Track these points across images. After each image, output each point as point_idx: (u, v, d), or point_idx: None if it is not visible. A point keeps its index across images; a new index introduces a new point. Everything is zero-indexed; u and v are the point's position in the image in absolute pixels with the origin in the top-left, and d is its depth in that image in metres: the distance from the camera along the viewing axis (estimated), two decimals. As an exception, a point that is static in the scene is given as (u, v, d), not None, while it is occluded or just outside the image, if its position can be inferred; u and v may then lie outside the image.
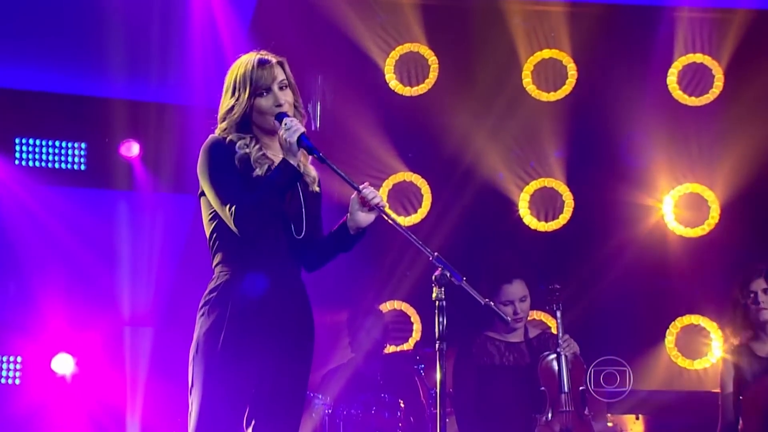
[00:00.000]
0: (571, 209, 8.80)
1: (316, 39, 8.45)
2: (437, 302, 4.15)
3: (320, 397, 7.26)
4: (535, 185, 8.83)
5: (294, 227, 4.34)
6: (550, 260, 8.51)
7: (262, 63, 4.34)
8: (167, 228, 8.62)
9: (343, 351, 7.91)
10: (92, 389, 8.47)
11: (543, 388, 6.55)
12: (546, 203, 8.83)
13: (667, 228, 8.78)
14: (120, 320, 8.67)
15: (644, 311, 8.66)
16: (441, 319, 4.14)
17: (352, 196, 4.33)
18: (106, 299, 8.60)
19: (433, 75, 8.78)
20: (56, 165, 8.61)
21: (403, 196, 8.82)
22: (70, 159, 8.65)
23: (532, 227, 8.81)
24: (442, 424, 4.20)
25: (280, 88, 4.35)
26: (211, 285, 4.29)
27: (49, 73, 8.34)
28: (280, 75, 4.36)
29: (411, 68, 8.80)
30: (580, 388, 6.56)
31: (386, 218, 4.29)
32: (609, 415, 7.58)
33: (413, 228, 8.54)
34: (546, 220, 8.83)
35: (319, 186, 4.49)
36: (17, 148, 8.55)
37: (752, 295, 6.61)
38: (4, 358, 8.55)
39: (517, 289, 6.64)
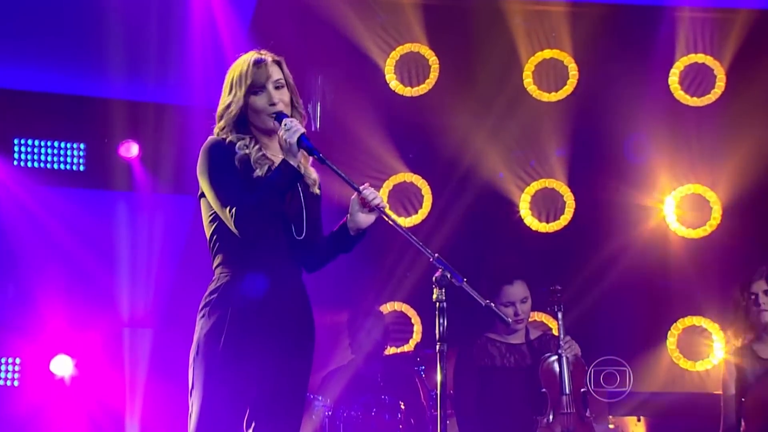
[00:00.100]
0: (572, 210, 8.78)
1: (316, 39, 8.44)
2: (438, 303, 4.13)
3: (320, 398, 7.26)
4: (536, 186, 8.82)
5: (294, 228, 4.34)
6: (551, 261, 8.49)
7: (257, 61, 4.36)
8: (166, 229, 8.62)
9: (343, 352, 7.89)
10: (91, 391, 8.46)
11: (544, 390, 6.54)
12: (547, 204, 8.81)
13: (668, 229, 8.76)
14: (119, 321, 8.66)
15: (646, 312, 8.65)
16: (441, 321, 4.13)
17: (353, 196, 4.33)
18: (105, 300, 8.59)
19: (433, 75, 8.76)
20: (55, 165, 8.60)
21: (404, 197, 8.80)
22: (69, 159, 8.64)
23: (533, 228, 8.80)
24: (443, 426, 4.19)
25: (276, 87, 4.36)
26: (212, 286, 4.29)
27: (48, 73, 8.33)
28: (275, 74, 4.37)
29: (411, 68, 8.78)
30: (582, 389, 6.55)
31: (386, 219, 4.28)
32: (610, 416, 7.58)
33: (414, 229, 8.54)
34: (547, 221, 8.81)
35: (319, 188, 4.50)
36: (16, 148, 8.55)
37: (753, 296, 6.61)
38: (3, 360, 8.53)
39: (518, 290, 6.63)
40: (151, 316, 8.71)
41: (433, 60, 8.76)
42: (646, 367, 8.34)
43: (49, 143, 8.59)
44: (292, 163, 4.20)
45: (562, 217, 8.80)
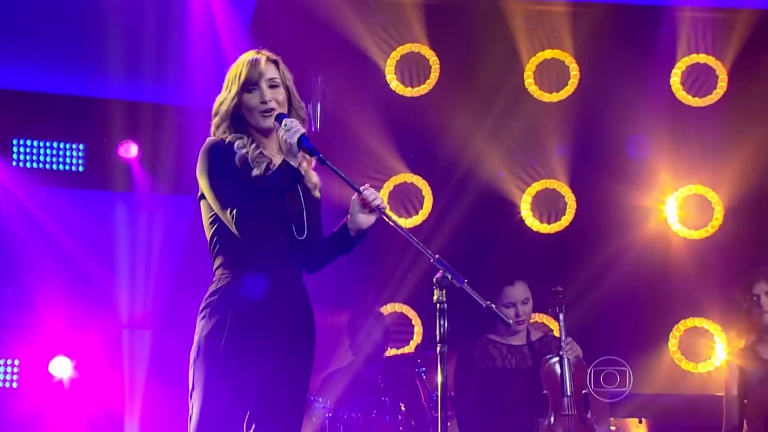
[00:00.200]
0: (573, 211, 8.77)
1: (316, 39, 8.42)
2: (438, 305, 4.13)
3: (320, 400, 7.25)
4: (537, 187, 8.81)
5: (295, 228, 4.33)
6: (553, 262, 8.49)
7: (252, 60, 4.37)
8: (166, 230, 8.60)
9: (343, 354, 7.88)
10: (90, 392, 8.43)
11: (545, 392, 6.53)
12: (548, 205, 8.80)
13: (670, 230, 8.75)
14: (118, 323, 8.64)
15: (647, 314, 8.65)
16: (442, 322, 4.12)
17: (353, 197, 4.33)
18: (105, 301, 8.57)
19: (434, 75, 8.75)
20: (54, 166, 8.57)
21: (404, 198, 8.79)
22: (68, 160, 8.61)
23: (535, 229, 8.79)
24: (444, 428, 4.18)
25: (270, 86, 4.36)
26: (212, 288, 4.28)
27: (47, 73, 8.32)
28: (270, 72, 4.38)
29: (412, 68, 8.76)
30: (583, 391, 6.53)
31: (387, 220, 4.27)
32: (612, 418, 7.58)
33: (414, 230, 8.53)
34: (548, 222, 8.80)
35: (320, 192, 4.51)
36: (14, 149, 8.51)
37: (755, 298, 6.61)
38: (2, 361, 8.49)
39: (519, 291, 6.62)
40: (150, 317, 8.68)
41: (433, 60, 8.74)
42: (647, 368, 8.33)
43: (48, 144, 8.57)
44: (292, 163, 4.20)
45: (563, 218, 8.79)
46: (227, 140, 4.33)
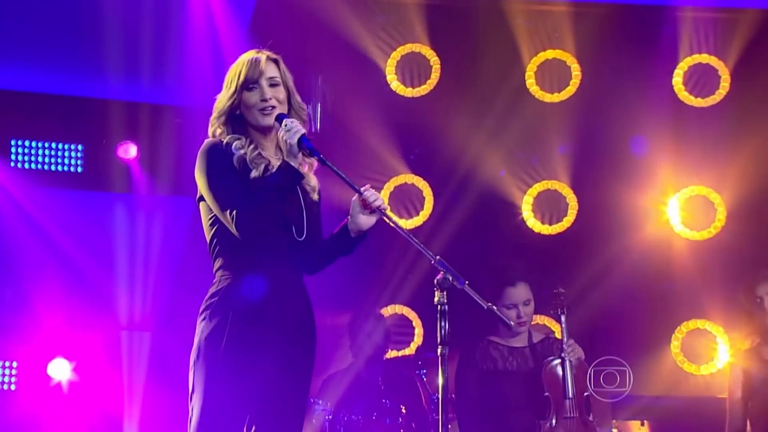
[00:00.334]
0: (575, 212, 8.76)
1: (316, 40, 8.41)
2: (439, 306, 4.13)
3: (320, 402, 7.25)
4: (538, 188, 8.80)
5: (295, 229, 4.34)
6: (554, 264, 8.46)
7: (253, 58, 4.38)
8: (165, 231, 8.60)
9: (343, 355, 7.86)
10: (89, 395, 8.43)
11: (547, 394, 6.50)
12: (549, 206, 8.79)
13: (672, 231, 8.73)
14: (117, 324, 8.64)
15: (649, 315, 8.62)
16: (443, 324, 4.12)
17: (353, 198, 4.34)
18: (103, 303, 8.56)
19: (434, 76, 8.74)
20: (53, 167, 8.57)
21: (405, 199, 8.78)
22: (66, 161, 8.61)
23: (536, 230, 8.78)
24: (445, 430, 4.19)
25: (270, 85, 4.37)
26: (212, 289, 4.29)
27: (45, 74, 8.32)
28: (270, 71, 4.39)
29: (412, 69, 8.75)
30: (585, 393, 6.50)
31: (387, 221, 4.28)
32: (614, 420, 7.56)
33: (415, 231, 8.52)
34: (549, 223, 8.79)
35: (319, 194, 4.52)
36: (13, 150, 8.52)
37: (759, 299, 6.59)
38: (0, 363, 8.50)
39: (520, 292, 6.59)
40: (149, 319, 8.68)
41: (434, 60, 8.73)
42: (649, 370, 8.32)
43: (46, 144, 8.57)
44: (292, 164, 4.20)
45: (564, 219, 8.77)
46: (225, 141, 4.33)
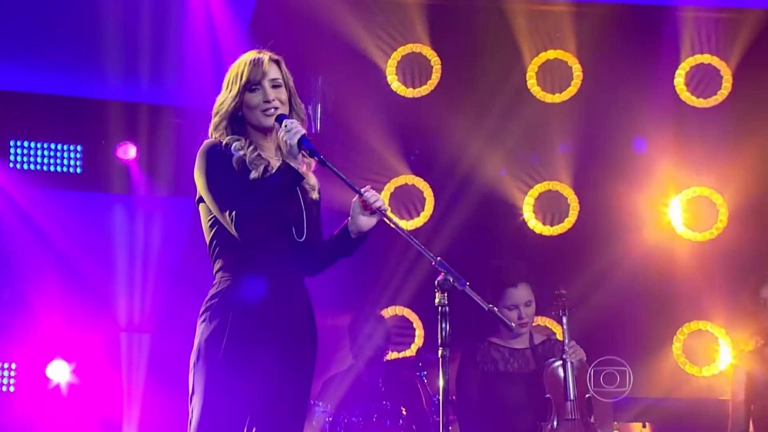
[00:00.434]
0: (576, 213, 8.75)
1: (316, 40, 8.40)
2: (440, 308, 4.11)
3: (321, 404, 7.24)
4: (539, 188, 8.79)
5: (295, 230, 4.33)
6: (555, 265, 8.44)
7: (255, 59, 4.37)
8: (165, 232, 8.59)
9: (343, 357, 7.85)
10: (88, 397, 8.42)
11: (548, 396, 6.47)
12: (551, 207, 8.77)
13: (674, 232, 8.72)
14: (116, 326, 8.63)
15: (651, 316, 8.60)
16: (444, 325, 4.11)
17: (354, 199, 4.33)
18: (103, 304, 8.55)
19: (435, 76, 8.73)
20: (52, 168, 8.56)
21: (406, 199, 8.77)
22: (65, 162, 8.60)
23: (537, 231, 8.77)
24: (445, 432, 4.15)
25: (273, 86, 4.36)
26: (212, 291, 4.28)
27: (44, 74, 8.32)
28: (273, 73, 4.38)
29: (413, 69, 8.74)
30: (586, 395, 6.48)
31: (388, 222, 4.26)
32: (615, 423, 7.55)
33: (416, 232, 8.53)
34: (551, 224, 8.78)
35: (318, 194, 4.50)
36: (12, 150, 8.50)
37: (763, 301, 6.58)
38: (-2, 365, 8.50)
39: (522, 293, 6.57)
40: (149, 320, 8.67)
41: (435, 60, 8.72)
42: (651, 371, 8.32)
43: (45, 145, 8.55)
44: (292, 164, 4.19)
45: (566, 220, 8.76)
46: (224, 142, 4.32)
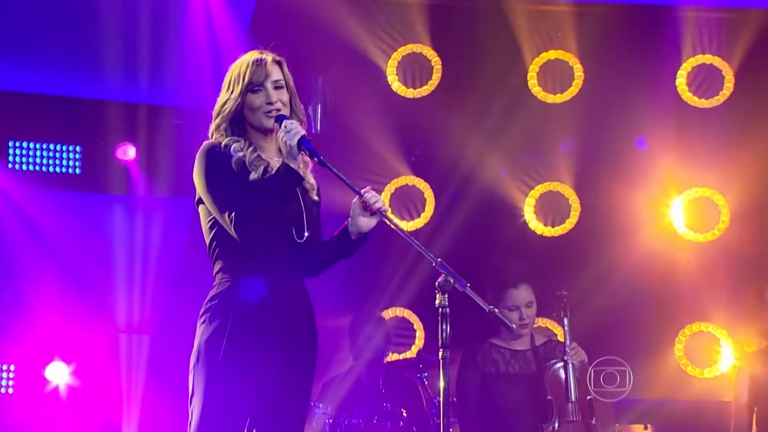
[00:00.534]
0: (577, 214, 8.74)
1: (316, 40, 8.39)
2: (440, 309, 4.10)
3: (321, 406, 7.24)
4: (540, 189, 8.78)
5: (295, 231, 4.32)
6: (557, 266, 8.43)
7: (257, 60, 4.36)
8: (164, 233, 8.58)
9: (343, 359, 7.85)
10: (87, 398, 8.41)
11: (549, 397, 6.46)
12: (552, 208, 8.76)
13: (676, 233, 8.71)
14: (116, 327, 8.62)
15: (653, 318, 8.59)
16: (444, 327, 4.10)
17: (354, 200, 4.32)
18: (102, 306, 8.54)
19: (436, 76, 8.72)
20: (50, 169, 8.53)
21: (406, 200, 8.77)
22: (64, 162, 8.57)
23: (538, 232, 8.77)
24: (446, 434, 4.15)
25: (275, 88, 4.35)
26: (212, 292, 4.28)
27: (43, 74, 8.31)
28: (275, 74, 4.36)
29: (414, 69, 8.74)
30: (588, 397, 6.46)
31: (388, 223, 4.25)
32: (617, 424, 7.52)
33: (416, 233, 8.52)
34: (552, 225, 8.77)
35: (318, 194, 4.49)
36: (11, 151, 8.48)
37: (766, 303, 6.55)
38: (-3, 366, 8.49)
39: (523, 294, 6.56)
40: (148, 321, 8.65)
41: (435, 61, 8.71)
42: (653, 373, 8.28)
43: (44, 146, 8.53)
44: (292, 165, 4.18)
45: (567, 221, 8.76)
46: (224, 143, 4.31)
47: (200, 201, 4.32)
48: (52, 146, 8.54)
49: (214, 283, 4.29)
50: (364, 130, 8.47)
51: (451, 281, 4.07)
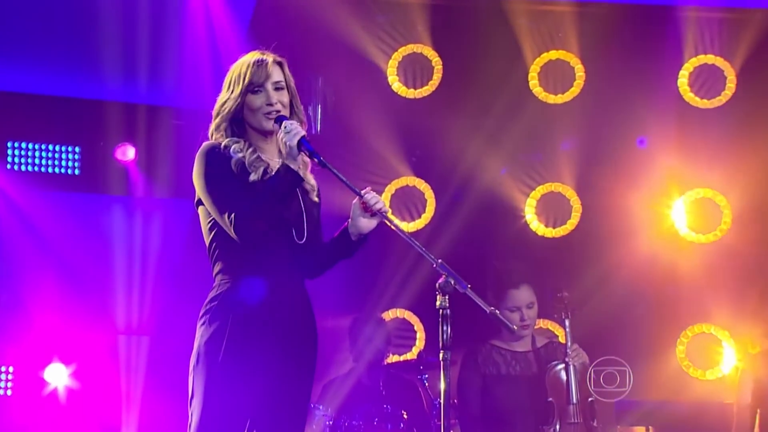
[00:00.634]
0: (578, 215, 8.73)
1: (316, 40, 8.39)
2: (441, 310, 4.10)
3: (321, 407, 7.22)
4: (541, 190, 8.77)
5: (295, 232, 4.31)
6: (558, 267, 8.43)
7: (258, 61, 4.35)
8: (164, 234, 8.58)
9: (344, 360, 7.84)
10: (86, 400, 8.41)
11: (550, 399, 6.47)
12: (553, 209, 8.75)
13: (677, 234, 8.69)
14: (115, 329, 8.62)
15: (654, 319, 8.61)
16: (445, 328, 4.09)
17: (354, 201, 4.31)
18: (101, 307, 8.54)
19: (436, 77, 8.71)
20: (50, 169, 8.52)
21: (407, 201, 8.76)
22: (63, 163, 8.57)
23: (539, 233, 8.76)
24: (447, 436, 4.14)
25: (276, 89, 4.34)
26: (212, 294, 4.27)
27: (42, 75, 8.31)
28: (276, 75, 4.35)
29: (414, 70, 8.73)
30: (589, 399, 6.44)
31: (389, 224, 4.24)
32: (618, 426, 7.51)
33: (416, 234, 8.50)
34: (553, 226, 8.75)
35: (318, 196, 4.48)
36: (9, 152, 8.47)
37: (771, 304, 6.56)
38: (-5, 368, 8.49)
39: (524, 294, 6.56)
40: (147, 323, 8.65)
41: (436, 61, 8.70)
42: (654, 374, 8.29)
43: (43, 146, 8.52)
44: (292, 166, 4.17)
45: (568, 222, 8.76)
46: (223, 144, 4.30)
47: (200, 202, 4.31)
48: (51, 147, 8.53)
49: (214, 285, 4.28)
50: (364, 130, 8.46)
51: (452, 282, 4.07)
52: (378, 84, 8.66)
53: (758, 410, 6.51)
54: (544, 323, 8.26)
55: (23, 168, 8.47)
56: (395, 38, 8.71)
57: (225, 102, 4.33)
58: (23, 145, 8.48)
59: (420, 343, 8.64)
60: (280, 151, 4.30)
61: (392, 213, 4.44)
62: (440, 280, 4.09)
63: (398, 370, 7.68)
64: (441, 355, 4.08)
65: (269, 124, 4.30)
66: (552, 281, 7.45)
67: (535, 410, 6.49)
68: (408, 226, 8.59)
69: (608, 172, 8.64)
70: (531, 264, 7.93)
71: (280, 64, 4.38)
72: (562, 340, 6.72)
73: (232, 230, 4.14)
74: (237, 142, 4.29)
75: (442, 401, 4.13)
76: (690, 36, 8.61)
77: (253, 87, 4.30)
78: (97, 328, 8.46)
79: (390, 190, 8.70)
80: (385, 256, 8.27)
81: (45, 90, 8.41)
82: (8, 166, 8.45)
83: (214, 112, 4.37)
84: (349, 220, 4.31)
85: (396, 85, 8.69)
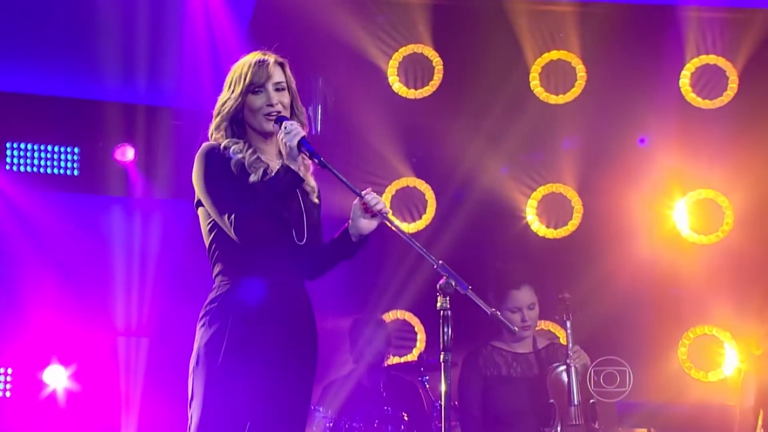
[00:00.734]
0: (580, 215, 8.72)
1: (316, 41, 8.38)
2: (442, 312, 4.09)
3: (321, 409, 7.22)
4: (543, 191, 8.76)
5: (295, 233, 4.30)
6: (559, 268, 8.41)
7: (259, 61, 4.34)
8: (163, 235, 8.59)
9: (344, 362, 7.83)
10: (86, 402, 8.42)
11: (552, 401, 6.45)
12: (555, 209, 8.74)
13: (679, 235, 8.68)
14: (114, 330, 8.63)
15: (656, 321, 8.59)
16: (446, 329, 4.08)
17: (354, 202, 4.31)
18: (100, 308, 8.55)
19: (437, 77, 8.69)
20: (49, 170, 8.53)
21: (407, 202, 8.75)
22: (63, 164, 8.57)
23: (540, 234, 8.75)
24: (447, 437, 4.13)
25: (277, 90, 4.33)
26: (212, 295, 4.27)
27: (41, 75, 8.32)
28: (277, 76, 4.35)
29: (415, 70, 8.72)
30: (591, 401, 6.43)
31: (389, 225, 4.24)
32: (620, 428, 7.50)
33: (417, 235, 8.49)
34: (554, 227, 8.74)
35: (318, 197, 4.47)
36: (8, 152, 8.48)
37: (775, 305, 6.53)
38: (-6, 370, 8.50)
39: (525, 295, 6.54)
40: (147, 324, 8.66)
41: (437, 61, 8.69)
42: (656, 376, 8.28)
43: (42, 147, 8.53)
44: (292, 167, 4.17)
45: (569, 223, 8.74)
46: (223, 145, 4.30)
47: (199, 203, 4.30)
48: (50, 147, 8.54)
49: (214, 286, 4.28)
50: (364, 131, 8.46)
51: (453, 283, 4.06)
52: (378, 84, 8.65)
53: (761, 412, 6.49)
54: (545, 324, 8.26)
55: (22, 168, 8.48)
56: (396, 38, 8.70)
57: (225, 101, 4.32)
58: (22, 145, 8.49)
59: (420, 344, 8.63)
60: (280, 153, 4.30)
61: (393, 214, 4.42)
62: (441, 281, 4.08)
63: (399, 372, 7.68)
64: (442, 356, 4.07)
65: (269, 125, 4.29)
66: (553, 282, 7.43)
67: (536, 412, 6.47)
68: (408, 227, 8.58)
69: (610, 173, 8.63)
70: (532, 265, 7.90)
71: (281, 64, 4.37)
72: (563, 341, 6.71)
73: (232, 231, 4.13)
74: (237, 143, 4.28)
75: (442, 403, 4.12)
76: (692, 36, 8.61)
77: (254, 87, 4.29)
78: (96, 329, 8.47)
79: (390, 190, 8.68)
80: (386, 257, 8.27)
81: (44, 90, 8.42)
82: (7, 167, 8.46)
83: (214, 112, 4.36)
84: (350, 221, 4.30)
85: (396, 85, 8.67)
